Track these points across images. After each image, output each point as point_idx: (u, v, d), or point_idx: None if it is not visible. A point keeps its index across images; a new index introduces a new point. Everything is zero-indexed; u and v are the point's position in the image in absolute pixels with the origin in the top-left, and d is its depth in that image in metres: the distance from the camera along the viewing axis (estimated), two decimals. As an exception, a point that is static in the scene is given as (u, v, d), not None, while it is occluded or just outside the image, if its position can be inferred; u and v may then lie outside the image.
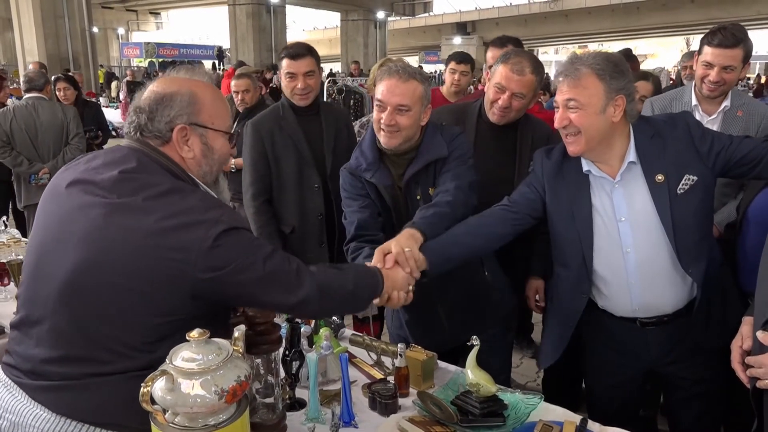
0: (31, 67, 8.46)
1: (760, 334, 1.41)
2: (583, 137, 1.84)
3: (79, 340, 1.33)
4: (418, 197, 2.08)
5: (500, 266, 2.32)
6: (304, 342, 1.98)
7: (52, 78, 5.79)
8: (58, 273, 1.34)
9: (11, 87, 8.55)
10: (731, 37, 2.51)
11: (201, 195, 1.40)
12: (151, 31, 41.48)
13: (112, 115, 12.59)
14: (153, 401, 1.15)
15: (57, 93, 5.49)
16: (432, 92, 2.24)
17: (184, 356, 1.16)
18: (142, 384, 1.13)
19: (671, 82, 10.65)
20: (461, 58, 4.13)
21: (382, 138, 2.06)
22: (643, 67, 8.54)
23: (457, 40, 32.90)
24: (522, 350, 3.93)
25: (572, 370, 2.36)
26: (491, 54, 3.26)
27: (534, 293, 2.53)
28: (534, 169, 2.08)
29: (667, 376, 2.08)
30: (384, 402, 1.77)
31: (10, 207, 5.40)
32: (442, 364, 2.04)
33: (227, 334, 1.29)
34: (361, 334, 2.20)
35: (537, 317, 3.59)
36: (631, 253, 1.90)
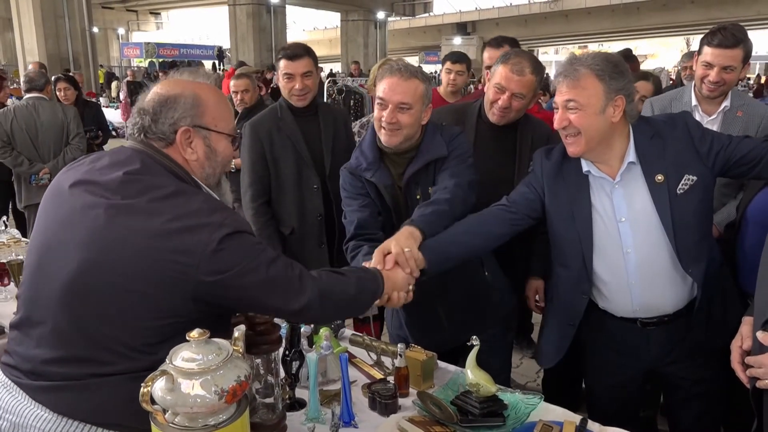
0: (31, 67, 8.47)
1: (759, 334, 1.41)
2: (582, 138, 1.84)
3: (80, 340, 1.33)
4: (418, 197, 2.08)
5: (500, 266, 2.32)
6: (304, 342, 1.98)
7: (53, 78, 5.79)
8: (60, 273, 1.34)
9: (11, 87, 8.54)
10: (731, 37, 2.51)
11: (204, 197, 1.41)
12: (152, 31, 41.49)
13: (112, 115, 12.62)
14: (153, 401, 1.15)
15: (57, 93, 5.49)
16: None
17: (184, 356, 1.17)
18: (142, 384, 1.14)
19: (671, 82, 10.65)
20: (456, 57, 4.13)
21: (382, 136, 2.06)
22: (644, 67, 8.55)
23: (458, 40, 32.89)
24: (522, 350, 3.93)
25: (572, 370, 2.36)
26: (488, 54, 3.26)
27: (534, 293, 2.53)
28: (533, 169, 2.08)
29: (667, 376, 2.08)
30: (384, 402, 1.77)
31: (10, 207, 5.40)
32: (441, 364, 2.04)
33: (227, 335, 1.29)
34: (361, 334, 2.20)
35: (537, 317, 3.58)
36: (632, 254, 1.90)
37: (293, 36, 33.87)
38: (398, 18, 37.07)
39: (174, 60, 25.92)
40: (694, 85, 2.70)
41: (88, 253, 1.32)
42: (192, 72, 1.57)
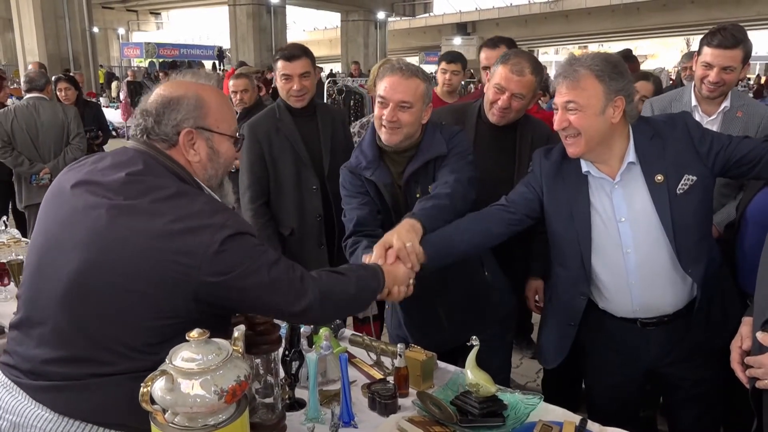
0: (30, 67, 8.47)
1: (759, 335, 1.41)
2: (582, 139, 1.84)
3: (81, 340, 1.34)
4: (418, 195, 2.08)
5: (500, 266, 2.32)
6: (303, 342, 1.98)
7: (53, 78, 5.79)
8: (61, 274, 1.35)
9: (11, 87, 8.55)
10: (731, 37, 2.51)
11: (206, 198, 1.41)
12: (152, 31, 41.47)
13: (113, 115, 12.62)
14: (153, 401, 1.15)
15: (58, 93, 5.50)
16: None
17: (183, 356, 1.17)
18: (141, 384, 1.14)
19: (671, 82, 10.64)
20: (451, 57, 4.13)
21: (383, 135, 2.06)
22: (644, 67, 8.54)
23: (458, 40, 32.85)
24: (522, 350, 3.93)
25: (572, 370, 2.36)
26: (484, 55, 3.26)
27: (533, 293, 2.54)
28: (533, 169, 2.08)
29: (667, 377, 2.08)
30: (383, 402, 1.77)
31: (10, 207, 5.40)
32: (441, 364, 2.04)
33: (227, 335, 1.29)
34: (360, 334, 2.20)
35: (537, 317, 3.58)
36: (631, 254, 1.90)
37: (293, 36, 33.87)
38: (398, 18, 37.06)
39: (174, 60, 25.94)
40: (694, 86, 2.70)
41: (88, 254, 1.32)
42: (194, 73, 1.58)
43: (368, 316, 2.83)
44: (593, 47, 40.38)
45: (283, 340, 1.73)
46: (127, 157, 1.43)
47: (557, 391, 2.79)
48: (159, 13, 41.76)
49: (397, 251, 1.78)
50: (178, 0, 36.82)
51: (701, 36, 2.66)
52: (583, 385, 2.43)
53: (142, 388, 1.13)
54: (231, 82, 4.48)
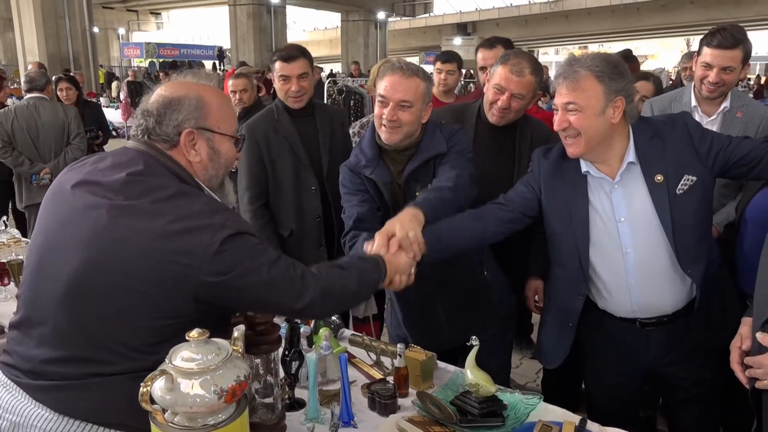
0: (31, 67, 8.47)
1: (759, 335, 1.41)
2: (582, 139, 1.84)
3: (81, 340, 1.34)
4: (417, 194, 2.07)
5: (500, 266, 2.32)
6: (303, 342, 1.98)
7: (54, 78, 5.79)
8: (61, 273, 1.35)
9: (11, 87, 8.55)
10: (730, 38, 2.51)
11: (206, 199, 1.41)
12: (152, 31, 41.47)
13: (113, 115, 12.62)
14: (152, 401, 1.15)
15: (58, 93, 5.50)
16: None
17: (183, 356, 1.17)
18: (141, 384, 1.14)
19: (671, 82, 10.64)
20: (446, 57, 4.12)
21: (383, 134, 2.06)
22: (644, 67, 8.53)
23: (458, 40, 32.82)
24: (522, 350, 3.93)
25: (572, 370, 2.36)
26: (481, 55, 3.26)
27: (533, 293, 2.53)
28: (532, 168, 2.08)
29: (667, 377, 2.08)
30: (383, 402, 1.77)
31: (10, 207, 5.40)
32: (441, 364, 2.04)
33: (227, 335, 1.29)
34: (360, 334, 2.20)
35: (537, 317, 3.59)
36: (631, 254, 1.90)
37: (294, 36, 33.89)
38: (398, 18, 37.06)
39: (174, 60, 25.95)
40: (694, 86, 2.70)
41: (88, 253, 1.32)
42: (195, 73, 1.58)
43: (368, 315, 2.83)
44: (593, 47, 40.40)
45: (283, 340, 1.73)
46: (128, 158, 1.43)
47: (557, 391, 2.79)
48: (159, 13, 41.77)
49: (400, 240, 1.77)
50: (179, 0, 36.83)
51: (701, 36, 2.67)
52: (583, 386, 2.43)
53: (141, 388, 1.13)
54: (230, 82, 4.48)
